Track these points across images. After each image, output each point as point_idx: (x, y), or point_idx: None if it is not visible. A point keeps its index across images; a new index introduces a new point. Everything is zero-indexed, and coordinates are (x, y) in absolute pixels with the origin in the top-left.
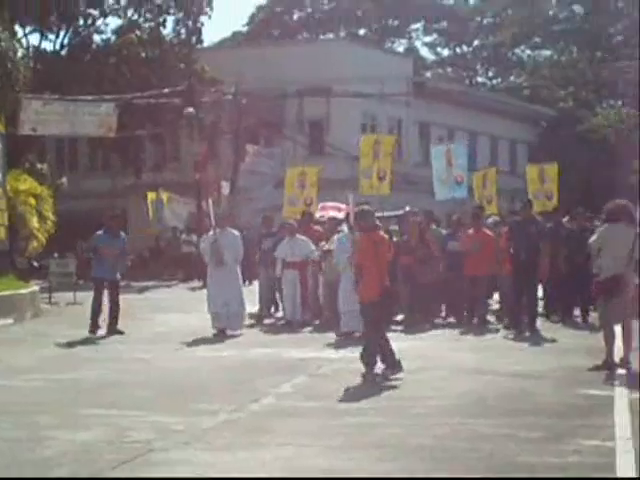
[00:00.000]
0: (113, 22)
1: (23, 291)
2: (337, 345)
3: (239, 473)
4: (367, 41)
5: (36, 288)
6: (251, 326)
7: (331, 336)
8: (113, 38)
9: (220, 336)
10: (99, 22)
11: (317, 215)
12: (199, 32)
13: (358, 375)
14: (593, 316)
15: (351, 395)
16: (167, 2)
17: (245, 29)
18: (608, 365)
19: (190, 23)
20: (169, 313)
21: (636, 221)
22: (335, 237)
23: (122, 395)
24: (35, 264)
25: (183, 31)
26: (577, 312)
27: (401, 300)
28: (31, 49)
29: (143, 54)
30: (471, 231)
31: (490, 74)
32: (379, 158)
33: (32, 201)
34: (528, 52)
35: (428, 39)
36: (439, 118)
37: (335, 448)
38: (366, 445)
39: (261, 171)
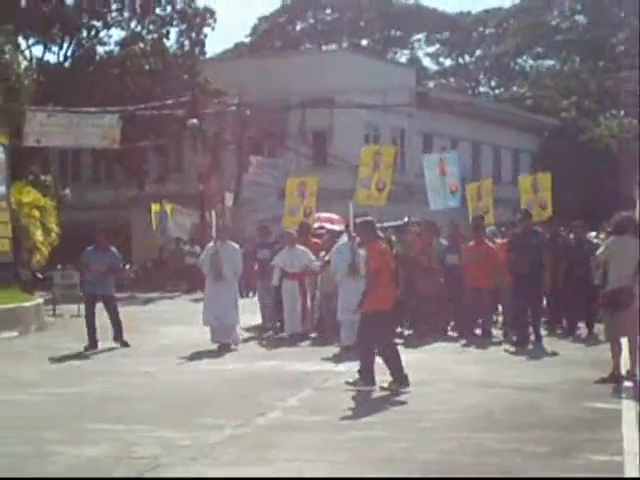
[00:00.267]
0: (116, 34)
1: (27, 304)
2: (340, 358)
3: None
4: (370, 52)
5: (40, 301)
6: (251, 339)
7: (333, 349)
8: (116, 50)
9: (222, 349)
10: (102, 34)
11: (315, 226)
12: (202, 44)
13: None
14: (598, 328)
15: (357, 409)
16: (170, 14)
17: (248, 40)
18: (615, 378)
19: (193, 35)
20: (172, 325)
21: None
22: (334, 249)
23: (127, 409)
24: (39, 276)
25: (186, 43)
26: (580, 324)
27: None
28: (34, 61)
29: (146, 66)
30: (472, 243)
31: (493, 84)
32: (379, 169)
33: (36, 213)
34: (531, 62)
35: (431, 49)
36: (442, 128)
37: (341, 463)
38: (373, 460)
39: (264, 182)
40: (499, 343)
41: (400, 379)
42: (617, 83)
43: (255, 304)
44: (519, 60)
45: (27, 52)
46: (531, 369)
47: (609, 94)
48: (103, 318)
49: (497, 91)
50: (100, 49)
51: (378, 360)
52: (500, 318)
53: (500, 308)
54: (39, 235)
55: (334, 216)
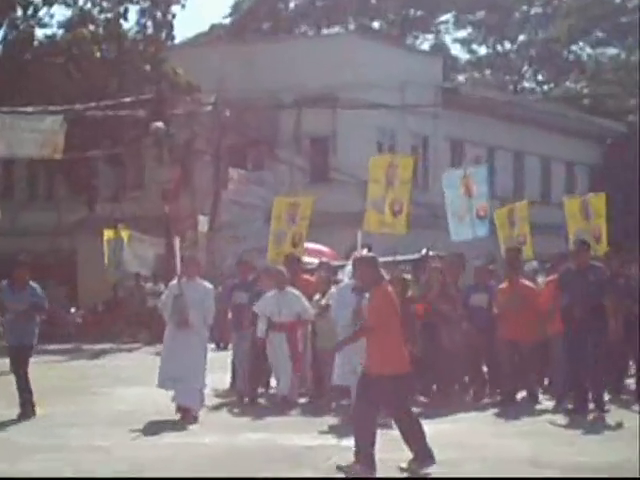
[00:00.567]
0: (60, 13)
1: None
2: (343, 430)
3: None
4: (384, 37)
5: None
6: (223, 405)
7: (330, 419)
8: (60, 33)
9: (187, 417)
10: (42, 13)
11: (305, 259)
12: (170, 26)
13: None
14: None
15: None
16: None
17: (227, 21)
18: None
19: (158, 14)
20: (131, 386)
21: None
22: (333, 289)
23: None
24: None
25: (149, 25)
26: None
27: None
28: None
29: (98, 53)
30: (506, 283)
31: (540, 78)
32: (394, 186)
33: None
34: (588, 50)
35: (461, 34)
36: (475, 134)
37: None
38: None
39: (248, 202)
40: (548, 412)
41: (423, 456)
42: None
43: (226, 360)
44: (573, 48)
45: None
46: (592, 445)
47: None
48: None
49: (546, 87)
50: (39, 32)
51: (393, 434)
52: (547, 379)
53: (545, 364)
54: None
55: (324, 249)
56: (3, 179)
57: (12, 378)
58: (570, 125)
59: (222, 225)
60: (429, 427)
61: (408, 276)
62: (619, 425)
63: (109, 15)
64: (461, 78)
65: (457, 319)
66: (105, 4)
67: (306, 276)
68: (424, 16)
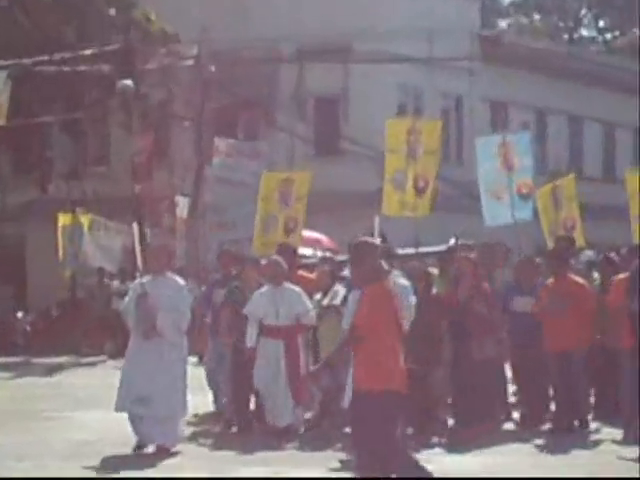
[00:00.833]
0: None
1: None
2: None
3: None
4: None
5: None
6: (200, 435)
7: (338, 453)
8: None
9: (162, 450)
10: None
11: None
12: None
13: None
14: None
15: None
16: None
17: None
18: None
19: None
20: (92, 409)
21: None
22: (338, 286)
23: None
24: None
25: None
26: None
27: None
28: None
29: None
30: (552, 280)
31: (602, 25)
32: (417, 157)
33: None
34: None
35: None
36: (521, 94)
37: None
38: None
39: (239, 180)
40: (605, 441)
41: None
42: None
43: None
44: None
45: None
46: None
47: None
48: None
49: (609, 36)
50: None
51: None
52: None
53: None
54: None
55: (322, 237)
56: None
57: None
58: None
59: (206, 208)
60: (462, 459)
61: (434, 270)
62: None
63: None
64: (503, 24)
65: (492, 325)
66: None
67: (303, 272)
68: None
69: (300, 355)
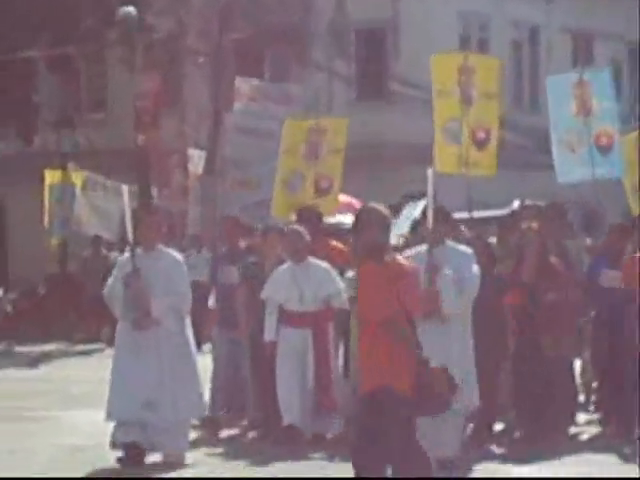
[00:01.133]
0: None
1: None
2: None
3: None
4: None
5: None
6: (202, 443)
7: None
8: None
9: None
10: None
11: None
12: None
13: None
14: None
15: None
16: None
17: None
18: None
19: None
20: (86, 408)
21: None
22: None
23: None
24: None
25: None
26: None
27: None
28: None
29: None
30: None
31: None
32: (473, 102)
33: None
34: None
35: None
36: (609, 24)
37: None
38: None
39: (264, 129)
40: None
41: None
42: None
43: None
44: None
45: None
46: None
47: None
48: None
49: None
50: None
51: None
52: None
53: None
54: None
55: (354, 201)
56: None
57: None
58: None
59: (225, 164)
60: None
61: (494, 240)
62: None
63: None
64: None
65: (569, 314)
66: None
67: (335, 243)
68: None
69: (330, 348)
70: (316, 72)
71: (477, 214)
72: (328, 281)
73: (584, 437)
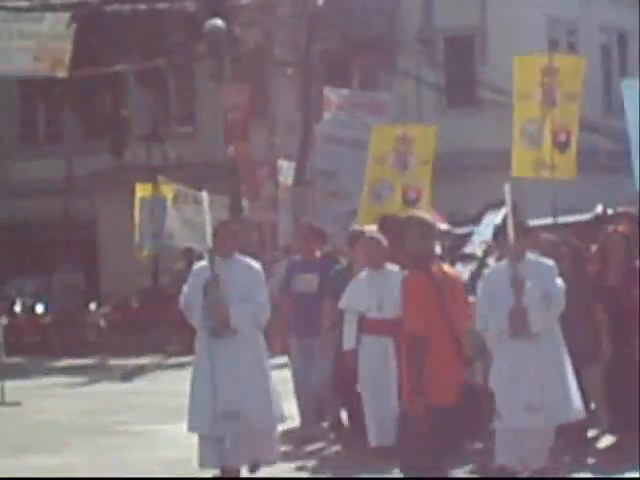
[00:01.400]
0: None
1: None
2: None
3: None
4: None
5: None
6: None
7: None
8: None
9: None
10: None
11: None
12: None
13: None
14: None
15: None
16: None
17: None
18: None
19: None
20: (180, 421)
21: None
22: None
23: None
24: None
25: None
26: None
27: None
28: None
29: None
30: None
31: None
32: (556, 103)
33: None
34: None
35: None
36: None
37: None
38: None
39: (354, 138)
40: None
41: None
42: None
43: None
44: None
45: None
46: None
47: None
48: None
49: None
50: None
51: None
52: None
53: None
54: None
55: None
56: None
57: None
58: None
59: (315, 174)
60: None
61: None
62: None
63: None
64: None
65: None
66: None
67: None
68: None
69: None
70: (404, 80)
71: (562, 219)
72: None
73: None
